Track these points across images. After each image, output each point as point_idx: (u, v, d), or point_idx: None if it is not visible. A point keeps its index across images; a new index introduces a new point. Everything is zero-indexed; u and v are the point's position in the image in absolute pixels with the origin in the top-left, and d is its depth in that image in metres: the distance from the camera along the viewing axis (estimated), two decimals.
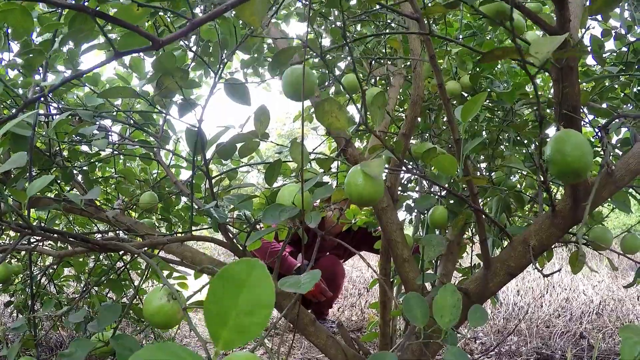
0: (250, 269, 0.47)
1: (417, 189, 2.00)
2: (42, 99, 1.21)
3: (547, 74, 2.08)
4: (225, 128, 1.14)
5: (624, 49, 1.61)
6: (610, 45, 1.68)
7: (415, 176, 1.98)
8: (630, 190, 1.52)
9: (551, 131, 1.60)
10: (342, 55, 1.69)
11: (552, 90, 1.42)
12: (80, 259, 2.09)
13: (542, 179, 0.98)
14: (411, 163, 1.36)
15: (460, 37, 1.84)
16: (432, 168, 1.62)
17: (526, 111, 1.92)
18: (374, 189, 0.89)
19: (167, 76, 0.98)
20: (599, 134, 1.02)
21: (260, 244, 2.42)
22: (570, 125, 0.97)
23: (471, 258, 1.77)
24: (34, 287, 1.61)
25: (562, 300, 3.47)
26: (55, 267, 2.01)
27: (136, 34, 0.98)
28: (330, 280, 3.13)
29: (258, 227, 1.34)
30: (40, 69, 1.31)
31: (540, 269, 1.09)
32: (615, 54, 1.66)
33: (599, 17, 1.68)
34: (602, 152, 1.05)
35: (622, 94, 1.54)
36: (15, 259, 2.07)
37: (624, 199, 1.47)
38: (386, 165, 0.97)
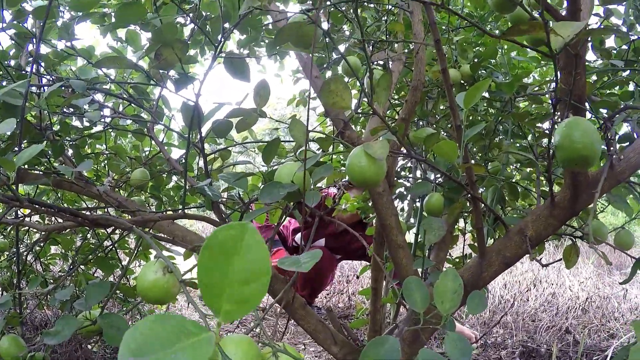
0: (241, 234, 0.44)
1: (410, 176, 1.99)
2: (33, 69, 1.18)
3: (544, 67, 2.07)
4: (221, 104, 1.11)
5: (625, 46, 1.60)
6: (609, 42, 1.68)
7: (410, 163, 1.97)
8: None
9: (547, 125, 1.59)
10: (343, 38, 1.66)
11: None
12: (68, 237, 2.06)
13: (543, 168, 0.97)
14: (409, 149, 1.34)
15: (461, 28, 1.83)
16: (430, 154, 1.61)
17: (522, 104, 1.91)
18: (376, 170, 0.87)
19: (167, 47, 0.95)
20: (605, 125, 1.01)
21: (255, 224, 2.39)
22: (575, 115, 0.95)
23: (463, 248, 1.76)
24: (20, 265, 1.58)
25: (548, 295, 3.49)
26: (42, 244, 1.98)
27: (132, 5, 0.95)
28: (315, 274, 3.09)
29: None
30: (34, 39, 1.28)
31: (537, 259, 1.08)
32: (615, 51, 1.65)
33: (601, 12, 1.67)
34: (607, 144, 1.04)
35: (631, 85, 1.53)
36: (1, 236, 2.04)
37: (621, 194, 1.47)
38: None
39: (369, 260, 3.42)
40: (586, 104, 1.08)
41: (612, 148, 1.00)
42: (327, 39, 0.96)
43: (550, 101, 0.96)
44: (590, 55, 1.72)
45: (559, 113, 1.02)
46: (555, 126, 0.85)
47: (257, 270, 0.44)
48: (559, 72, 0.99)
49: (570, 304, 3.26)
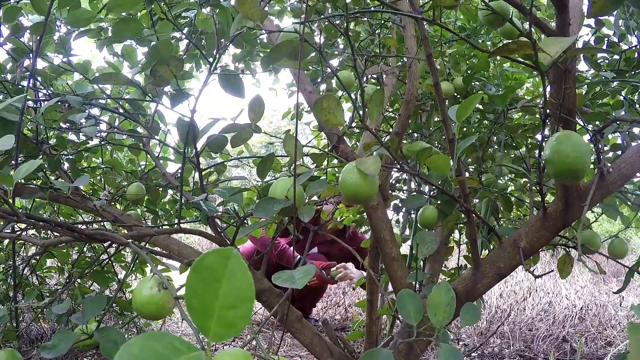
0: (225, 260, 0.46)
1: (405, 188, 2.00)
2: (30, 83, 1.19)
3: (537, 78, 2.09)
4: (216, 120, 1.13)
5: (616, 56, 1.61)
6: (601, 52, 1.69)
7: (405, 176, 1.98)
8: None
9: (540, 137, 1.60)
10: (336, 52, 1.68)
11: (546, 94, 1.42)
12: (64, 250, 2.06)
13: (535, 179, 0.98)
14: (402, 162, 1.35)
15: (454, 41, 1.84)
16: (424, 167, 1.62)
17: (516, 115, 1.93)
18: (368, 186, 0.88)
19: (162, 64, 0.96)
20: (595, 137, 1.02)
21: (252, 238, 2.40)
22: (566, 128, 0.96)
23: (458, 259, 1.77)
24: (16, 278, 1.58)
25: (544, 304, 3.49)
26: (38, 257, 1.98)
27: (128, 21, 0.96)
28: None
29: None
30: (31, 54, 1.29)
31: (530, 270, 1.09)
32: (607, 62, 1.67)
33: (592, 23, 1.69)
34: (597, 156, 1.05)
35: (622, 97, 1.54)
36: None
37: (613, 204, 1.48)
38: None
39: (358, 263, 3.43)
40: (577, 117, 1.10)
41: (601, 160, 1.01)
42: (319, 55, 0.98)
43: (540, 115, 0.97)
44: (582, 65, 1.74)
45: (549, 126, 1.03)
46: (545, 140, 0.86)
47: (241, 296, 0.45)
48: (549, 86, 1.00)
49: (567, 313, 3.26)
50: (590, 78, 1.68)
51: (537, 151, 1.59)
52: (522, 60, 0.99)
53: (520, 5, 0.88)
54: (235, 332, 0.45)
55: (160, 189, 1.76)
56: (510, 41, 0.71)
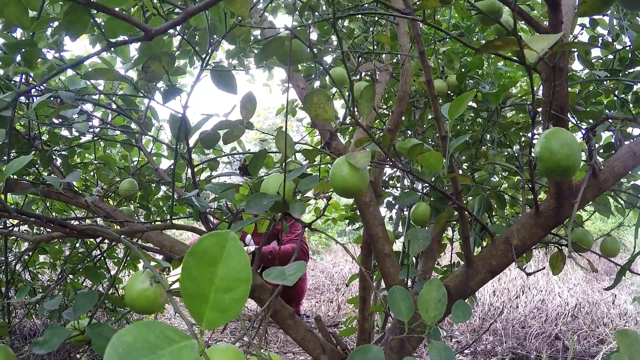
0: (223, 242, 0.46)
1: (398, 185, 2.00)
2: (22, 78, 1.18)
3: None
4: (208, 116, 1.12)
5: (610, 56, 1.62)
6: (595, 52, 1.69)
7: (398, 173, 1.98)
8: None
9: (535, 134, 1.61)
10: (330, 49, 1.68)
11: (540, 91, 1.42)
12: (56, 246, 2.06)
13: (528, 177, 0.98)
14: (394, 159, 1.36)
15: (447, 38, 1.84)
16: (417, 165, 1.62)
17: (509, 113, 1.93)
18: (358, 180, 0.88)
19: (154, 60, 0.96)
20: (587, 135, 1.02)
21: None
22: (557, 126, 0.97)
23: (450, 257, 1.78)
24: (8, 274, 1.58)
25: (537, 302, 3.50)
26: (30, 253, 1.98)
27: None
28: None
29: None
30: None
31: (523, 268, 1.09)
32: (601, 61, 1.67)
33: (586, 23, 1.69)
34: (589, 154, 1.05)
35: (615, 96, 1.55)
36: None
37: (605, 202, 1.49)
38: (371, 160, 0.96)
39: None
40: (570, 115, 1.10)
41: (593, 157, 1.02)
42: (312, 52, 0.98)
43: (529, 113, 0.98)
44: (576, 65, 1.74)
45: (541, 124, 1.04)
46: (536, 137, 0.86)
47: (238, 279, 0.45)
48: (542, 84, 1.00)
49: (559, 310, 3.28)
50: (584, 77, 1.69)
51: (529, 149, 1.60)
52: (513, 58, 0.99)
53: (507, 1, 0.88)
54: (230, 317, 0.45)
55: (153, 185, 1.76)
56: (496, 38, 0.71)
